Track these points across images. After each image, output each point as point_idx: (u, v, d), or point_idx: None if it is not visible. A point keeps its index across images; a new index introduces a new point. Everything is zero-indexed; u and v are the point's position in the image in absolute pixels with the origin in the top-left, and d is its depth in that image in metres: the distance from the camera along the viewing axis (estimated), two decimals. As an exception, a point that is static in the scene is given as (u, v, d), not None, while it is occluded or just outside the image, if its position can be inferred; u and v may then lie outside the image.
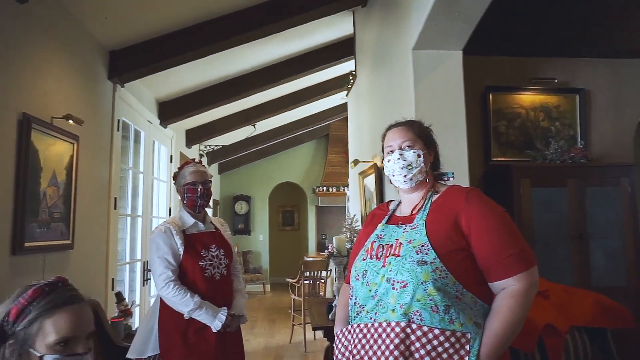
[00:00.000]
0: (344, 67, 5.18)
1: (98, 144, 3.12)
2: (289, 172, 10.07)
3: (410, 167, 1.37)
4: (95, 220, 3.08)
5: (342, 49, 4.71)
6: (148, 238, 4.27)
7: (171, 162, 5.14)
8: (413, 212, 1.37)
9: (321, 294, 5.90)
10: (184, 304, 2.04)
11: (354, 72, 4.51)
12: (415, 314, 1.19)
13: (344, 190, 8.99)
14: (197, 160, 2.41)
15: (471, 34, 2.49)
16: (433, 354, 1.14)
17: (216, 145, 7.17)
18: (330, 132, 9.29)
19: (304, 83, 5.59)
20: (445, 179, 1.49)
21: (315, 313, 3.31)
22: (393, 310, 1.21)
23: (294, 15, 3.44)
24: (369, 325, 1.25)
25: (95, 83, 3.07)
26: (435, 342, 1.15)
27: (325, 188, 9.49)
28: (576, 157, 3.23)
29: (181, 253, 2.13)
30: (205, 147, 7.01)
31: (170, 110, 4.71)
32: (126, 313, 3.08)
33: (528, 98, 3.50)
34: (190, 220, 2.24)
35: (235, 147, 7.72)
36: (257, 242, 9.95)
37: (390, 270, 1.25)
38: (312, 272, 5.62)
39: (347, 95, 5.01)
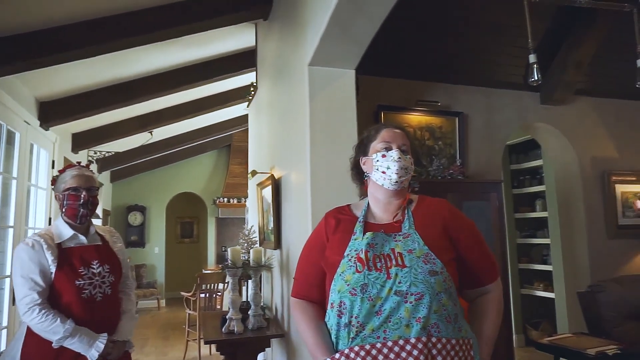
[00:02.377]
0: (246, 78, 5.18)
1: (-41, 145, 2.75)
2: (189, 182, 9.71)
3: (406, 171, 1.35)
4: (-48, 231, 2.69)
5: (244, 60, 4.71)
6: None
7: (53, 167, 4.68)
8: (394, 220, 1.34)
9: (218, 307, 5.75)
10: (52, 331, 1.77)
11: (254, 84, 4.53)
12: (432, 327, 1.16)
13: (245, 201, 8.90)
14: (83, 165, 2.15)
15: (366, 56, 2.65)
16: None
17: (108, 152, 6.69)
18: (232, 143, 9.17)
19: (205, 92, 5.47)
20: (411, 189, 1.53)
21: (210, 326, 3.22)
22: (407, 326, 1.16)
23: (194, 21, 3.37)
24: (379, 345, 1.14)
25: (-42, 76, 2.71)
26: (452, 353, 1.16)
27: (226, 199, 9.32)
28: (455, 174, 3.57)
29: (53, 271, 1.85)
30: (95, 153, 6.50)
31: (53, 111, 4.31)
32: (-13, 336, 2.72)
33: (415, 118, 3.80)
34: (67, 231, 1.97)
35: (129, 154, 7.27)
36: (152, 255, 9.40)
37: (399, 282, 1.19)
38: (209, 285, 5.45)
39: (248, 106, 5.01)
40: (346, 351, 1.17)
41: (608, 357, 2.52)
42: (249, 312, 3.12)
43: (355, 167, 1.49)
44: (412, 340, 1.14)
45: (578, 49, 3.87)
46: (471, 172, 3.90)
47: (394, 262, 1.23)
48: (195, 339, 5.20)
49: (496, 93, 4.15)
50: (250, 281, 3.35)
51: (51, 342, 1.80)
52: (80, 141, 5.55)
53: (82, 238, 2.00)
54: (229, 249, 3.17)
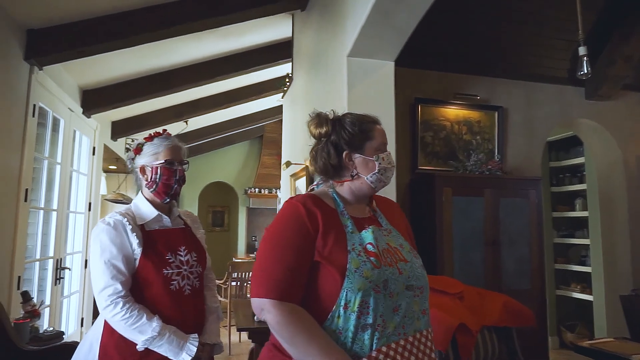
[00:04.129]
0: (281, 69, 5.19)
1: (8, 129, 2.87)
2: (221, 172, 9.86)
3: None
4: (0, 213, 2.82)
5: (280, 50, 4.72)
6: (63, 233, 3.99)
7: (94, 154, 4.84)
8: (371, 215, 1.34)
9: (248, 295, 5.83)
10: (139, 330, 1.49)
11: (290, 75, 4.54)
12: (429, 317, 1.24)
13: (276, 192, 8.98)
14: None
15: (403, 48, 2.61)
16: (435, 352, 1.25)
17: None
18: (264, 134, 9.24)
19: (240, 82, 5.52)
20: None
21: (241, 314, 3.27)
22: (418, 319, 1.19)
23: (231, 12, 3.39)
24: (402, 342, 1.14)
25: (8, 62, 2.82)
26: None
27: (257, 189, 9.42)
28: (493, 170, 3.48)
29: (137, 257, 1.57)
30: (133, 141, 6.67)
31: (95, 99, 4.44)
32: (33, 314, 2.84)
33: (453, 112, 3.72)
34: (151, 211, 1.68)
35: (165, 143, 7.42)
36: (183, 243, 9.60)
37: (408, 277, 1.19)
38: (240, 274, 5.54)
39: (282, 97, 5.02)
40: (374, 354, 1.09)
41: (653, 364, 2.42)
42: (280, 302, 3.15)
43: (337, 158, 1.32)
44: (424, 332, 1.20)
45: (628, 41, 3.70)
46: (509, 168, 3.79)
47: (396, 256, 1.22)
48: (226, 326, 5.30)
49: (537, 87, 4.01)
50: (282, 271, 3.38)
51: (134, 345, 1.51)
52: (119, 129, 5.70)
53: (167, 220, 1.71)
54: (262, 239, 3.20)
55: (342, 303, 1.12)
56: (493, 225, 3.37)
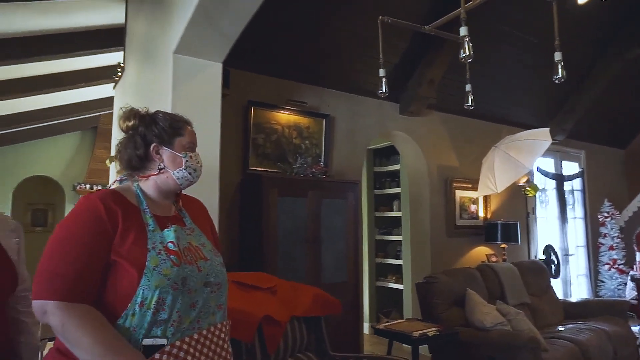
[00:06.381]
0: (115, 57, 4.84)
1: None
2: (44, 165, 8.71)
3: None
4: None
5: (111, 37, 4.40)
6: None
7: None
8: (176, 214, 1.38)
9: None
10: None
11: (121, 64, 4.27)
12: (225, 311, 1.34)
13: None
14: None
15: (240, 50, 2.68)
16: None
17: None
18: (99, 125, 8.46)
19: (64, 66, 4.97)
20: None
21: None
22: (213, 314, 1.28)
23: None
24: (196, 335, 1.20)
25: None
26: (228, 332, 1.35)
27: (88, 186, 8.59)
28: (317, 173, 3.77)
29: None
30: None
31: None
32: None
33: (284, 116, 3.93)
34: None
35: (-34, 128, 6.29)
36: (-8, 245, 8.22)
37: (207, 274, 1.27)
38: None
39: (114, 87, 4.70)
40: (167, 348, 1.13)
41: (428, 338, 2.93)
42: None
43: (144, 149, 1.34)
44: (219, 326, 1.29)
45: (431, 68, 4.36)
46: (334, 172, 4.15)
47: (197, 255, 1.28)
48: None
49: (360, 100, 4.48)
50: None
51: None
52: None
53: None
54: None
55: (138, 301, 1.13)
56: (314, 224, 3.65)
